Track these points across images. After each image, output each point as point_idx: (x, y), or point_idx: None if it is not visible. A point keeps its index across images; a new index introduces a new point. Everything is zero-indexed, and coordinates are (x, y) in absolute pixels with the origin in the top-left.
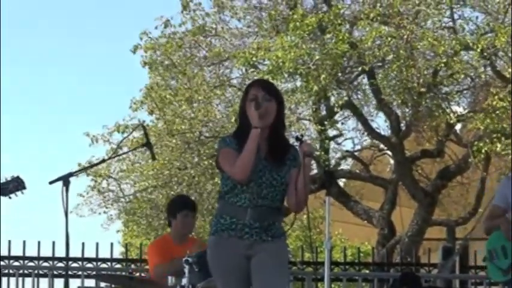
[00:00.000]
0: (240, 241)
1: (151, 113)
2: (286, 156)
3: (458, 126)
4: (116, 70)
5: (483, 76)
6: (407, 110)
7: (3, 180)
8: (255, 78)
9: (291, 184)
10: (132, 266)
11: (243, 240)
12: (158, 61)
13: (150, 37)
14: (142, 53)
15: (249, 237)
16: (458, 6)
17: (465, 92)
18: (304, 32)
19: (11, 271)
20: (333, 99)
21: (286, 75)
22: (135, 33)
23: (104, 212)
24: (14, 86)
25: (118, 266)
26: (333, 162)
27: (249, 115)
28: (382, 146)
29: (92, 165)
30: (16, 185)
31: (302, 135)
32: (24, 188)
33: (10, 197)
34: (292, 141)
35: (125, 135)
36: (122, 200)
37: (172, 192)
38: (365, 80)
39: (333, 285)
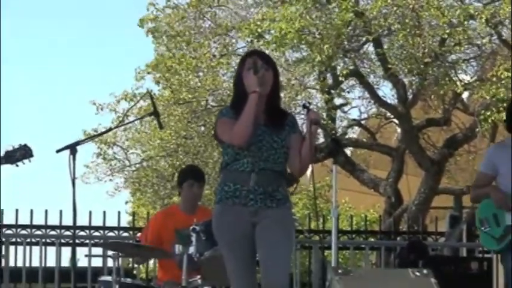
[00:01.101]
0: (244, 208)
1: (157, 82)
2: (284, 121)
3: (465, 95)
4: (124, 40)
5: (489, 45)
6: (414, 78)
7: (10, 148)
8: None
9: (292, 149)
10: (139, 234)
11: (248, 207)
12: (162, 31)
13: (156, 8)
14: (148, 24)
15: (253, 203)
16: None
17: (472, 60)
18: (309, 3)
19: (18, 240)
20: (339, 68)
21: (291, 46)
22: (143, 3)
23: (110, 180)
24: (20, 52)
25: (125, 234)
26: (339, 130)
27: (246, 82)
28: (388, 114)
29: (98, 134)
30: (23, 152)
31: (309, 103)
32: (31, 155)
33: (17, 165)
34: (299, 110)
35: (132, 103)
36: (128, 168)
37: (178, 162)
38: (371, 49)
39: (339, 254)
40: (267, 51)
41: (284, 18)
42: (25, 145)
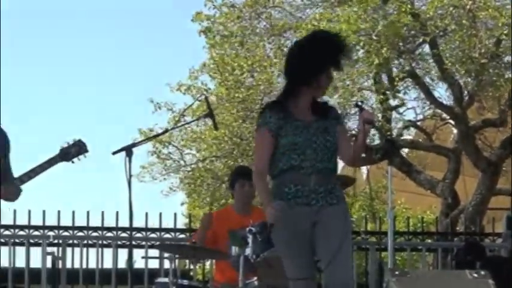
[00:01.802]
0: (307, 208)
1: (213, 76)
2: (329, 114)
3: None
4: (180, 37)
5: None
6: (469, 79)
7: (65, 145)
8: None
9: (341, 140)
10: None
11: (311, 207)
12: (215, 31)
13: (214, 5)
14: (202, 22)
15: (316, 202)
16: None
17: None
18: (369, 5)
19: (75, 241)
20: (394, 69)
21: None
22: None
23: (165, 179)
24: (77, 51)
25: (181, 236)
26: (395, 132)
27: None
28: (444, 115)
29: (155, 136)
30: (78, 148)
31: (362, 102)
32: (86, 151)
33: (73, 162)
34: (354, 111)
35: (187, 97)
36: (183, 169)
37: (233, 163)
38: (426, 49)
39: (396, 255)
40: None
41: (343, 18)
42: (79, 140)
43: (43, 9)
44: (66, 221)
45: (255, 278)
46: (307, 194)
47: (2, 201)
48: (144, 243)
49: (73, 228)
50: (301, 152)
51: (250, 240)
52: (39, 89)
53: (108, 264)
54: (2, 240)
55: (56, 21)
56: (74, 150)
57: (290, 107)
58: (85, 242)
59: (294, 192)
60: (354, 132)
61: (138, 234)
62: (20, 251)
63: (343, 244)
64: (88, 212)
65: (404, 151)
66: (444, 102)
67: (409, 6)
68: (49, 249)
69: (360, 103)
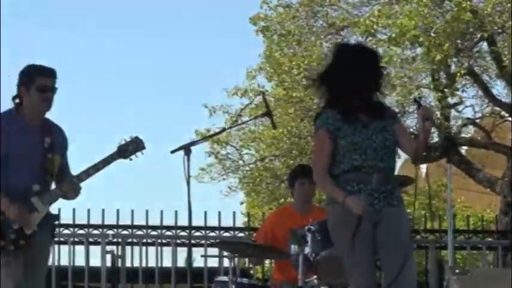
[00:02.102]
0: (370, 207)
1: (270, 78)
2: (385, 114)
3: None
4: (234, 39)
5: None
6: None
7: (122, 142)
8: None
9: (401, 138)
10: (255, 234)
11: (373, 206)
12: (273, 30)
13: (269, 6)
14: (260, 22)
15: (378, 202)
16: None
17: None
18: (428, 1)
19: (134, 240)
20: (453, 66)
21: (407, 44)
22: (255, 1)
23: (224, 180)
24: (136, 57)
25: (241, 234)
26: (454, 129)
27: (351, 203)
28: (503, 113)
29: (212, 135)
30: (135, 146)
31: (420, 98)
32: (143, 147)
33: (131, 159)
34: (412, 109)
35: (244, 100)
36: (242, 168)
37: (291, 161)
38: (484, 47)
39: (456, 254)
40: (379, 50)
41: (403, 14)
42: (136, 137)
43: (106, 14)
44: (125, 220)
45: (314, 276)
46: (369, 193)
47: (61, 199)
48: (203, 241)
49: (132, 227)
50: (362, 152)
51: (309, 239)
52: (99, 89)
53: (167, 262)
54: (62, 239)
55: (115, 28)
56: (131, 147)
57: (346, 108)
58: (144, 240)
59: (357, 190)
60: (412, 130)
61: (198, 233)
62: (80, 249)
63: (408, 249)
64: (147, 211)
65: (463, 149)
66: (503, 99)
67: (468, 2)
68: (108, 247)
69: (418, 98)
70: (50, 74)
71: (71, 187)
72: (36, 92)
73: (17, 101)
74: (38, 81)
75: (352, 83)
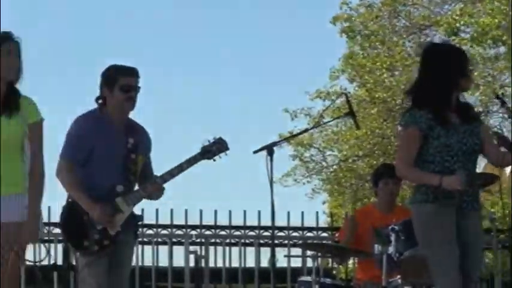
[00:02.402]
0: (459, 210)
1: (352, 81)
2: (471, 115)
3: None
4: (314, 40)
5: None
6: None
7: (206, 143)
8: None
9: (486, 142)
10: (337, 234)
11: (462, 210)
12: (356, 30)
13: (350, 7)
14: (341, 23)
15: (466, 205)
16: None
17: None
18: None
19: (217, 240)
20: None
21: (490, 42)
22: (335, 2)
23: (308, 182)
24: (218, 54)
25: (324, 234)
26: None
27: (447, 182)
28: None
29: (294, 135)
30: (219, 146)
31: (503, 94)
32: (227, 149)
33: (214, 160)
34: (496, 108)
35: (326, 102)
36: (326, 170)
37: (375, 162)
38: None
39: None
40: (463, 48)
41: (486, 13)
42: (220, 138)
43: (185, 13)
44: (208, 220)
45: (398, 276)
46: (459, 196)
47: (145, 200)
48: (286, 242)
49: (215, 227)
50: (454, 154)
51: (392, 238)
52: (182, 90)
53: (250, 263)
54: (145, 240)
55: (199, 29)
56: (215, 148)
57: (439, 109)
58: (227, 241)
59: (447, 193)
60: (495, 129)
61: (281, 233)
62: (163, 250)
63: (481, 252)
64: (230, 211)
65: None
66: None
67: None
68: (192, 248)
69: (501, 96)
70: (132, 73)
71: (155, 187)
72: (119, 92)
73: (100, 101)
74: (121, 81)
75: (445, 83)
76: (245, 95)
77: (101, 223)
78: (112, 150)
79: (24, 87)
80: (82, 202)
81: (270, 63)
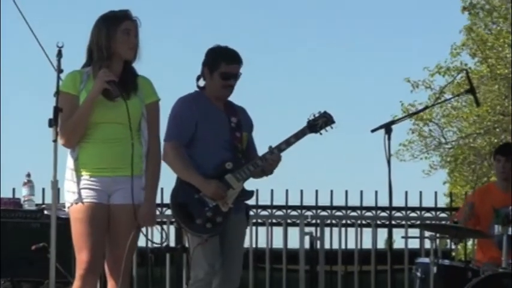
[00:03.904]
0: None
1: (473, 55)
2: None
3: None
4: (434, 15)
5: None
6: None
7: (311, 117)
8: None
9: None
10: (456, 213)
11: None
12: (479, 6)
13: None
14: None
15: None
16: None
17: None
18: None
19: (333, 221)
20: None
21: None
22: None
23: (426, 158)
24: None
25: (442, 215)
26: None
27: None
28: None
29: (413, 113)
30: (325, 120)
31: None
32: (333, 122)
33: (321, 133)
34: None
35: (447, 78)
36: (444, 146)
37: (495, 140)
38: None
39: None
40: None
41: None
42: (325, 112)
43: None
44: (324, 201)
45: None
46: None
47: (259, 180)
48: (403, 222)
49: (331, 208)
50: None
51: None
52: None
53: (367, 244)
54: (260, 221)
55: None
56: (321, 122)
57: None
58: (343, 221)
59: None
60: None
61: (398, 214)
62: (278, 231)
63: None
64: (346, 191)
65: None
66: None
67: None
68: (307, 229)
69: None
70: (235, 60)
71: (274, 157)
72: (219, 78)
73: (201, 80)
74: (222, 68)
75: None
76: (366, 64)
77: (213, 200)
78: (216, 129)
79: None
80: (194, 180)
81: (395, 36)
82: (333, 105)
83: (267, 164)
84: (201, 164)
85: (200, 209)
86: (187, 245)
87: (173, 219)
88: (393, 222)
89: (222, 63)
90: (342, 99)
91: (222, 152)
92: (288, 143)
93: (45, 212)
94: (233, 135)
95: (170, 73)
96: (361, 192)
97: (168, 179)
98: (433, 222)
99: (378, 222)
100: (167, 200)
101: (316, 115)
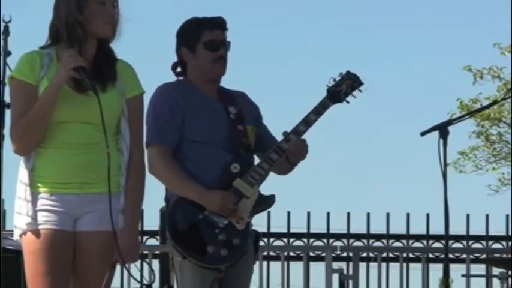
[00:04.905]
0: None
1: None
2: None
3: None
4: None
5: None
6: None
7: (331, 82)
8: None
9: None
10: None
11: None
12: None
13: None
14: None
15: None
16: None
17: None
18: None
19: (371, 254)
20: None
21: None
22: None
23: (493, 169)
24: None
25: None
26: None
27: None
28: None
29: (477, 110)
30: (350, 83)
31: None
32: (360, 83)
33: (347, 101)
34: None
35: None
36: None
37: None
38: None
39: None
40: None
41: None
42: (348, 72)
43: None
44: (358, 227)
45: None
46: None
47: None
48: (464, 256)
49: (368, 236)
50: None
51: None
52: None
53: (415, 285)
54: (273, 253)
55: None
56: (345, 86)
57: None
58: (384, 254)
59: None
60: None
61: (457, 244)
62: (297, 267)
63: None
64: (388, 214)
65: None
66: None
67: None
68: (335, 264)
69: None
70: (218, 24)
71: (298, 143)
72: (204, 50)
73: (179, 69)
74: (205, 36)
75: None
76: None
77: (223, 218)
78: (211, 124)
79: None
80: (193, 194)
81: (453, 21)
82: (371, 103)
83: (290, 153)
84: (201, 170)
85: (209, 232)
86: (175, 287)
87: (157, 252)
88: (450, 255)
89: (204, 32)
90: (381, 95)
91: (224, 153)
92: (307, 122)
93: None
94: (234, 129)
95: (157, 59)
96: (408, 215)
97: (149, 195)
98: (504, 255)
99: (430, 255)
100: (149, 225)
101: (337, 79)
